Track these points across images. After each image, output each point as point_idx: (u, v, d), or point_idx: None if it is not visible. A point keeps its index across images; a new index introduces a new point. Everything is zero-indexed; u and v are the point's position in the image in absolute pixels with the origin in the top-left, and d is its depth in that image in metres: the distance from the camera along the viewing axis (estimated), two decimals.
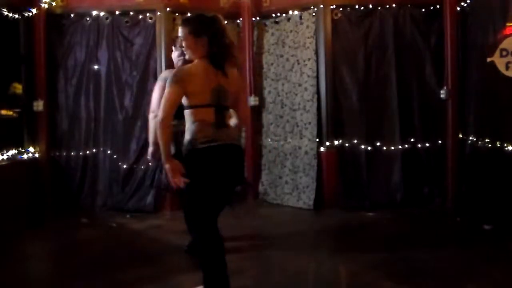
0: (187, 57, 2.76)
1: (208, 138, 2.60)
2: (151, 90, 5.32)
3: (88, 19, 5.43)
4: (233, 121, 2.83)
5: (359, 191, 5.29)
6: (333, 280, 3.41)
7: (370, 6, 5.29)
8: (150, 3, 5.36)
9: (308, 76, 5.41)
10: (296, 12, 5.54)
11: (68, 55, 5.48)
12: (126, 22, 5.43)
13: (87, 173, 5.50)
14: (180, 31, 2.74)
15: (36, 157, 5.30)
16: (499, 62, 4.39)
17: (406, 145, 5.29)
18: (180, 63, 3.73)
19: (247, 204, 5.72)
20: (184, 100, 2.63)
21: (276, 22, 5.77)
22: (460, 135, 5.18)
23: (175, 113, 2.62)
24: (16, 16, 5.12)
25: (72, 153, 5.49)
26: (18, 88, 5.44)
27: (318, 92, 5.35)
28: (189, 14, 5.36)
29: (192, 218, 2.88)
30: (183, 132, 2.75)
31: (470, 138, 4.94)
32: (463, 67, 5.14)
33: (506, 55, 4.33)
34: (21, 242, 4.36)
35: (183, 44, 2.72)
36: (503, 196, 4.29)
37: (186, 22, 2.74)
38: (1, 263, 3.79)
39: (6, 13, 4.96)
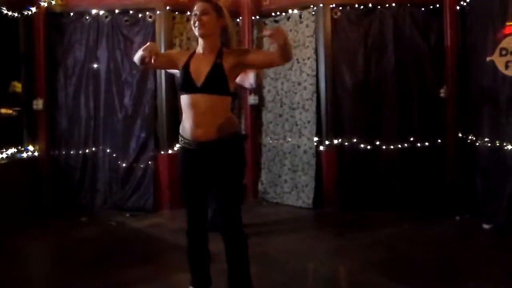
0: (198, 32, 2.58)
1: None
2: (151, 89, 5.38)
3: (87, 17, 5.43)
4: None
5: (358, 190, 5.29)
6: (333, 279, 3.41)
7: (370, 5, 5.28)
8: (150, 2, 5.36)
9: (308, 75, 5.41)
10: (295, 11, 5.54)
11: (68, 54, 5.48)
12: (126, 20, 5.43)
13: (87, 172, 5.50)
14: (201, 5, 2.58)
15: (35, 155, 5.31)
16: (499, 61, 4.39)
17: (406, 144, 5.29)
18: None
19: (246, 203, 5.74)
20: (228, 84, 2.58)
21: (276, 21, 5.77)
22: (460, 134, 5.19)
23: None
24: (16, 14, 5.11)
25: (71, 152, 5.49)
26: (18, 86, 5.44)
27: (317, 91, 5.35)
28: (188, 13, 5.45)
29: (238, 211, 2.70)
30: None
31: (470, 137, 4.94)
32: (463, 66, 5.14)
33: (506, 54, 4.33)
34: (20, 241, 4.36)
35: (201, 18, 2.55)
36: (502, 196, 4.29)
37: (208, 0, 2.63)
38: (0, 262, 3.80)
39: (5, 11, 4.96)
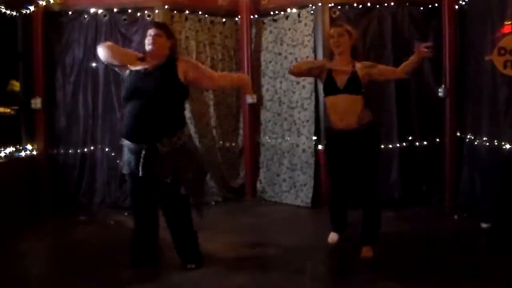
0: (336, 51, 3.61)
1: None
2: None
3: (86, 16, 5.42)
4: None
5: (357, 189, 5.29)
6: (332, 279, 3.41)
7: (369, 4, 5.29)
8: (148, 1, 5.35)
9: None
10: (294, 10, 5.54)
11: (66, 53, 5.47)
12: (124, 19, 5.42)
13: (85, 171, 5.50)
14: (337, 30, 3.60)
15: (34, 154, 5.30)
16: (497, 60, 4.38)
17: (404, 144, 5.30)
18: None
19: (244, 202, 5.76)
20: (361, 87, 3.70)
21: (274, 20, 5.77)
22: (458, 134, 5.19)
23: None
24: (14, 13, 5.10)
25: (70, 151, 5.48)
26: (16, 85, 5.43)
27: (316, 90, 5.35)
28: (187, 12, 5.46)
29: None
30: None
31: (468, 136, 4.95)
32: (461, 65, 5.15)
33: (504, 54, 4.31)
34: (19, 240, 4.36)
35: (338, 40, 3.57)
36: (500, 195, 4.29)
37: (341, 24, 3.76)
38: None
39: (3, 10, 4.95)
